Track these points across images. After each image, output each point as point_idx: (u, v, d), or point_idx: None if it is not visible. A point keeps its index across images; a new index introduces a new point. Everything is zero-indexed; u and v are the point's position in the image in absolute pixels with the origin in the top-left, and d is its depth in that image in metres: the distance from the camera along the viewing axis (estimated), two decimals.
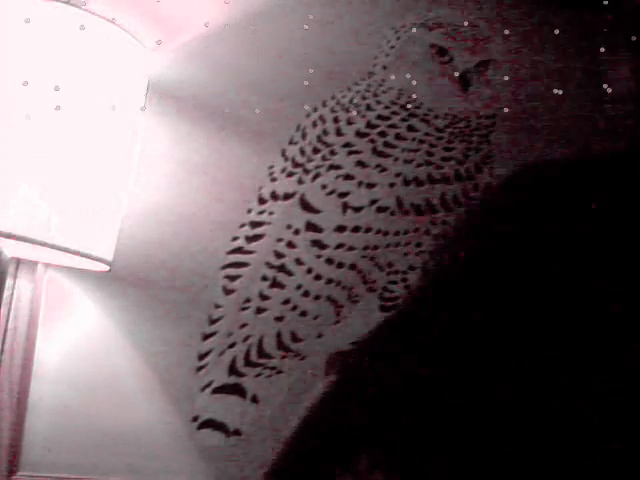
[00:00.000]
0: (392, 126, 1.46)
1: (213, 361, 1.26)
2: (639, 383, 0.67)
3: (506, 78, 1.54)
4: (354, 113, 1.43)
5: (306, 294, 1.36)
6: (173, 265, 1.29)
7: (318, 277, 1.37)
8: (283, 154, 1.39)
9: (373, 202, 1.42)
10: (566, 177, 0.74)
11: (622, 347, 0.63)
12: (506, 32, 1.55)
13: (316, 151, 1.40)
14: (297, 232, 1.36)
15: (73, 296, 1.24)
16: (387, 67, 1.47)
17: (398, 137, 1.46)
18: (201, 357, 1.27)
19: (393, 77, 1.47)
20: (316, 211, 1.37)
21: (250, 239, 1.34)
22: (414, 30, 1.50)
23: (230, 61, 1.39)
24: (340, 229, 1.37)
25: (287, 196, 1.37)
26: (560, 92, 1.52)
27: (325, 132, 1.41)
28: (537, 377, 0.63)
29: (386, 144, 1.45)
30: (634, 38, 1.48)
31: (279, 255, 1.34)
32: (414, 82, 1.48)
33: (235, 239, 1.34)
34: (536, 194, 0.74)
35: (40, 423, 1.17)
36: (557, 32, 1.57)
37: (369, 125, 1.44)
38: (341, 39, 1.46)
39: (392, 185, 1.44)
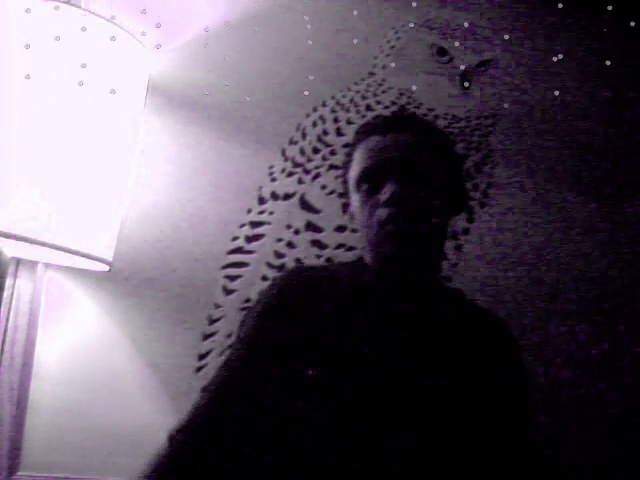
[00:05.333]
0: None
1: (213, 361, 1.25)
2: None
3: (506, 78, 1.53)
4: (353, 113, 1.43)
5: None
6: (173, 265, 1.29)
7: None
8: (283, 154, 1.39)
9: None
10: None
11: None
12: (506, 33, 1.54)
13: (316, 151, 1.40)
14: (297, 232, 1.36)
15: (73, 296, 1.24)
16: (387, 67, 1.47)
17: None
18: (201, 357, 1.27)
19: (393, 77, 1.47)
20: (316, 211, 1.37)
21: (250, 239, 1.34)
22: (414, 30, 1.50)
23: (230, 61, 1.39)
24: (340, 229, 1.37)
25: (287, 196, 1.37)
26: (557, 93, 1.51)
27: (325, 132, 1.41)
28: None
29: None
30: (632, 23, 1.47)
31: (279, 255, 1.34)
32: (414, 82, 1.48)
33: (235, 239, 1.34)
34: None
35: (40, 423, 1.17)
36: (558, 31, 1.57)
37: None
38: (341, 39, 1.46)
39: None
